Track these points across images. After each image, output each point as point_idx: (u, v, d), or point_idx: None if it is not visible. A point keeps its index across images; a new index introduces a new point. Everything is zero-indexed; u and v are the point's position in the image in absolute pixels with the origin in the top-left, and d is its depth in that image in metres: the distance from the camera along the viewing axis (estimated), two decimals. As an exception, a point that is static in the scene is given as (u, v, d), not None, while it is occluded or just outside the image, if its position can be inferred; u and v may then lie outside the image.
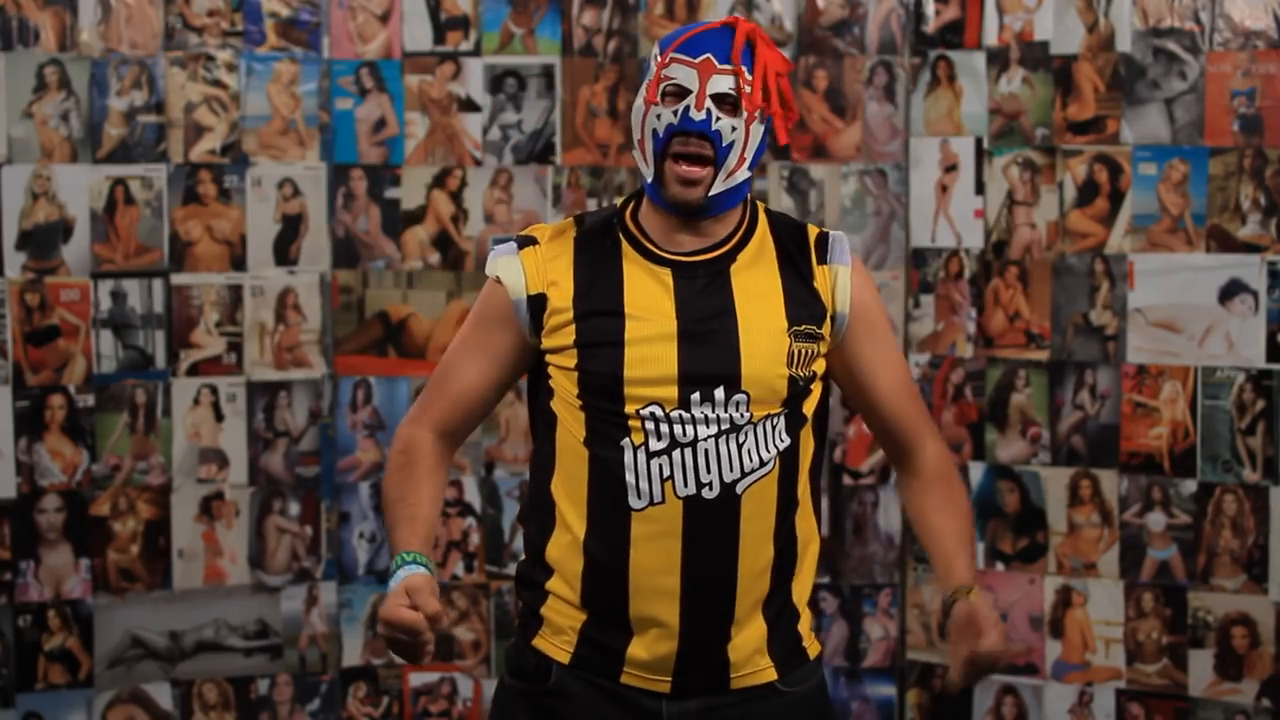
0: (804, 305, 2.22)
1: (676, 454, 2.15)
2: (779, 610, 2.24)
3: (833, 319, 2.24)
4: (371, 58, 3.82)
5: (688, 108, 2.15)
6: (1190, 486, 3.62)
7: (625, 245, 2.23)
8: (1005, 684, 3.79)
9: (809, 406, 2.24)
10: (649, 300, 2.19)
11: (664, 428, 2.15)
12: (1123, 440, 3.67)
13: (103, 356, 3.72)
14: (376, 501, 3.84)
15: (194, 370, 3.78)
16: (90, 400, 3.71)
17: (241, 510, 3.81)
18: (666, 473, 2.15)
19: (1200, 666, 3.62)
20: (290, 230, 3.82)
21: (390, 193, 3.83)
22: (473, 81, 3.85)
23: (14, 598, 3.68)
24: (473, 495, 3.88)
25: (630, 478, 2.15)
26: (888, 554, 3.89)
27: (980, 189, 3.77)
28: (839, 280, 2.25)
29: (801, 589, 2.27)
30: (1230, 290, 3.56)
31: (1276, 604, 3.57)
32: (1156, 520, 3.65)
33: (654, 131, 2.18)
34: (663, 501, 2.15)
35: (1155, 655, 3.66)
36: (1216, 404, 3.59)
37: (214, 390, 3.78)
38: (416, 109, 3.83)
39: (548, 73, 3.84)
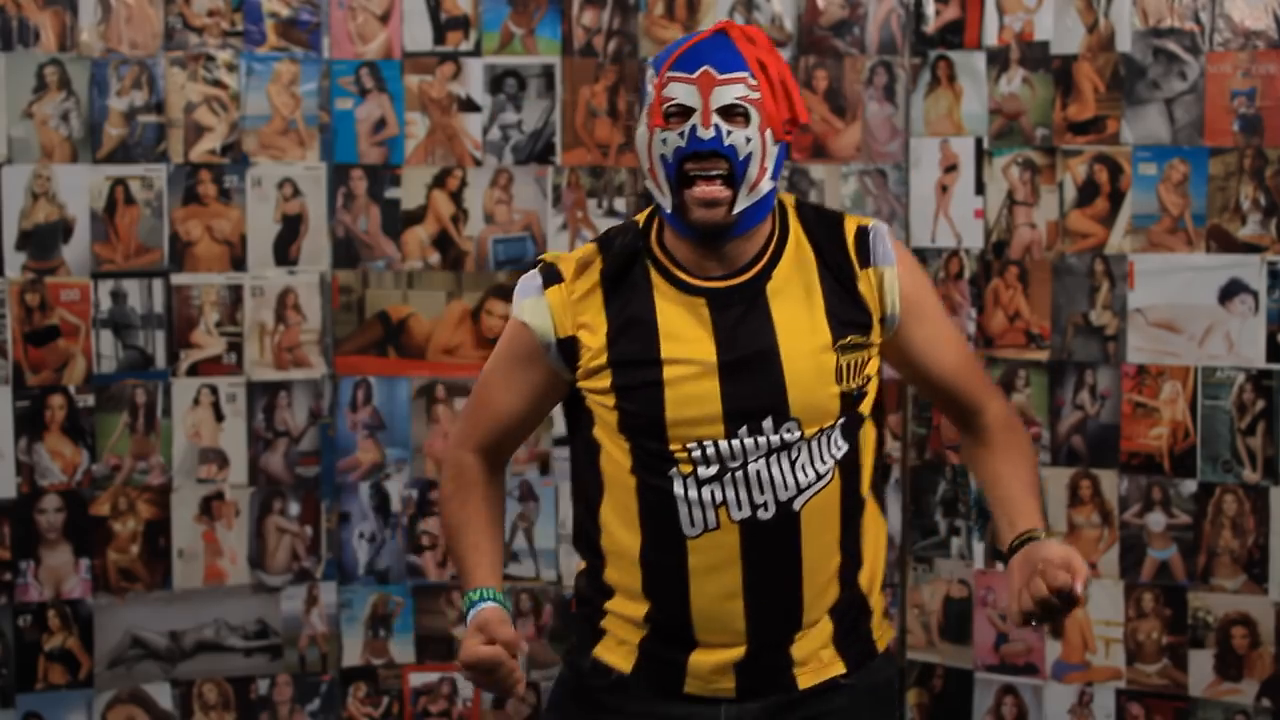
0: (848, 315, 2.13)
1: (728, 478, 2.09)
2: (846, 607, 2.20)
3: (882, 321, 2.16)
4: (371, 58, 3.82)
5: (694, 127, 2.04)
6: (1190, 487, 3.62)
7: (656, 276, 2.13)
8: (1005, 684, 3.79)
9: (866, 407, 2.17)
10: (686, 335, 2.11)
11: (711, 452, 2.09)
12: (1123, 440, 3.67)
13: (103, 356, 3.72)
14: (376, 501, 3.84)
15: (194, 370, 3.78)
16: (90, 400, 3.71)
17: (241, 510, 3.81)
18: (719, 498, 2.09)
19: (1200, 667, 3.62)
20: (290, 230, 3.82)
21: (390, 193, 3.83)
22: (473, 82, 3.85)
23: (14, 598, 3.68)
24: (473, 495, 3.88)
25: (683, 507, 2.10)
26: (888, 554, 3.88)
27: (980, 189, 3.77)
28: (885, 281, 2.15)
29: (870, 580, 2.23)
30: (1230, 290, 3.56)
31: (1276, 604, 3.57)
32: (1156, 520, 3.65)
33: (663, 158, 2.07)
34: (718, 527, 2.09)
35: (1155, 655, 3.66)
36: (1216, 404, 3.59)
37: (214, 390, 3.78)
38: (416, 109, 3.83)
39: (548, 73, 3.85)
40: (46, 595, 3.71)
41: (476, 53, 3.85)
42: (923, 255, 3.82)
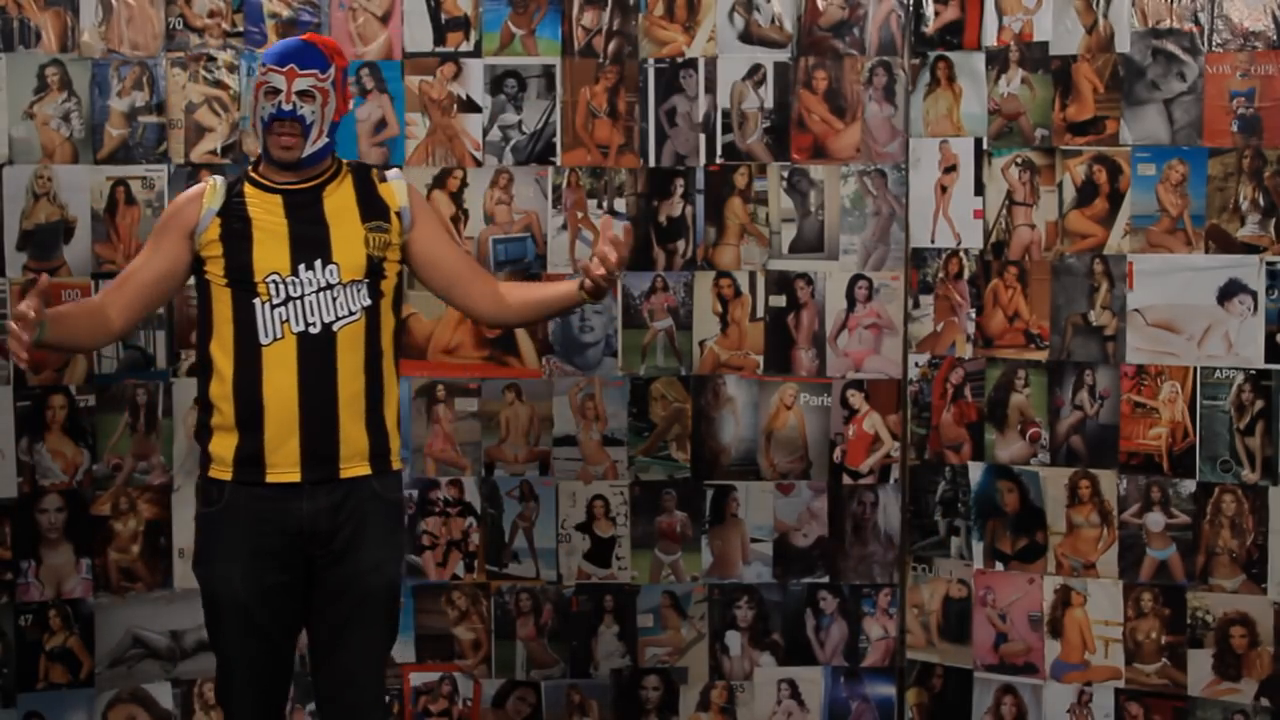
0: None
1: (291, 305, 2.93)
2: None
3: (398, 214, 3.07)
4: (372, 58, 3.83)
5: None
6: (1189, 486, 3.62)
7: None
8: (1005, 684, 3.80)
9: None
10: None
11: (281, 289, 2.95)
12: (1122, 440, 3.67)
13: (103, 357, 3.73)
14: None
15: (195, 371, 3.78)
16: (91, 400, 3.72)
17: (242, 510, 3.81)
18: (284, 317, 2.93)
19: (1199, 666, 3.63)
20: (291, 230, 3.82)
21: (391, 193, 3.83)
22: (473, 82, 3.85)
23: (15, 597, 3.69)
24: (473, 495, 3.89)
25: (259, 322, 2.93)
26: (887, 554, 3.89)
27: (980, 189, 3.78)
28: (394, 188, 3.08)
29: (391, 418, 3.03)
30: (1229, 290, 3.57)
31: (1275, 604, 3.57)
32: (1155, 520, 3.66)
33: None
34: (282, 338, 2.94)
35: (1154, 655, 3.67)
36: (1215, 404, 3.59)
37: (215, 390, 3.78)
38: (417, 109, 3.84)
39: (548, 73, 3.85)
40: (47, 595, 3.72)
41: (477, 53, 3.86)
42: (922, 256, 3.83)
